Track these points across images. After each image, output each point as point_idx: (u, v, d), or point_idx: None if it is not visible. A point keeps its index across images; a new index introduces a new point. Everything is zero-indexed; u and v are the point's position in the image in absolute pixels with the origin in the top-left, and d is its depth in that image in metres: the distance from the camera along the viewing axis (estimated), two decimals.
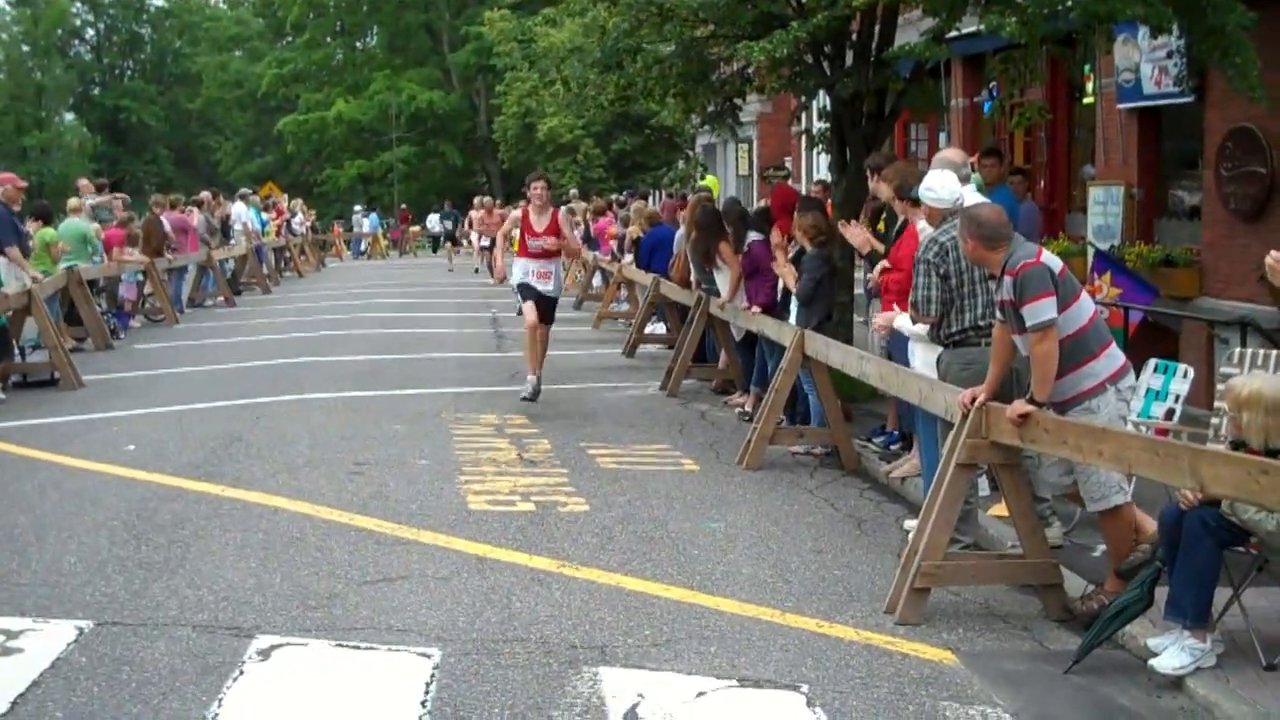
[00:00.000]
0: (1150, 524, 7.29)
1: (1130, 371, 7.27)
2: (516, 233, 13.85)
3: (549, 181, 13.73)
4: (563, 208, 14.71)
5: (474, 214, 36.48)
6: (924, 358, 8.77)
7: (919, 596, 7.04)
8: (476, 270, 35.65)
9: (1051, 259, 7.05)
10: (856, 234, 10.51)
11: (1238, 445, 6.28)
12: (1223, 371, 8.32)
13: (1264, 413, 6.14)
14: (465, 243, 42.24)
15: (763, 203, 16.32)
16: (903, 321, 9.02)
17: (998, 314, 7.18)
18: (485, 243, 31.70)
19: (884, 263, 9.97)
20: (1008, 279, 6.92)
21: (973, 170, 10.87)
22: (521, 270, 13.46)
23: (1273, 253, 6.79)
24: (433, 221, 56.92)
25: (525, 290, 13.47)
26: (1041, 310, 6.74)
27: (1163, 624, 6.37)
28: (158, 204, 24.93)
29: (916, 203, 8.83)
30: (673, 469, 10.75)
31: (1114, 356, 7.09)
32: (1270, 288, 8.58)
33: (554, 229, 13.35)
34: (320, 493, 9.74)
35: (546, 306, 13.54)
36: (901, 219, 9.73)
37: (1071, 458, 6.72)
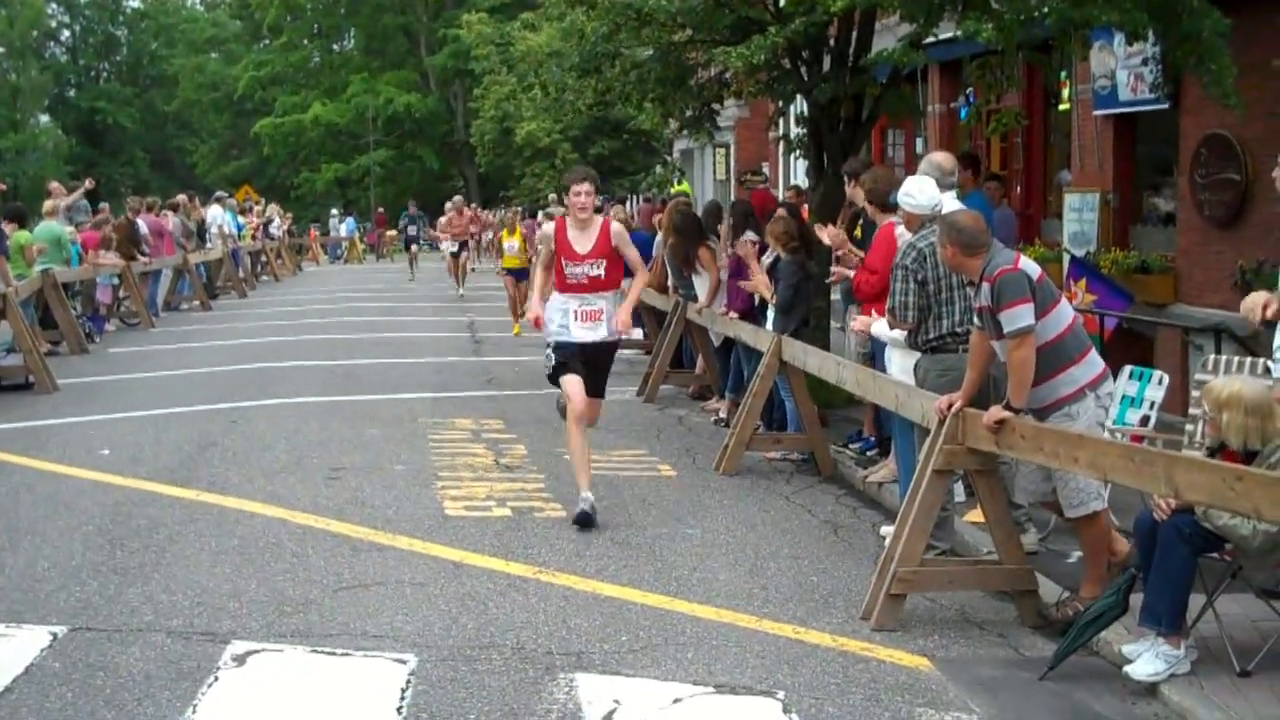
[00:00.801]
0: (1123, 543, 7.33)
1: (1109, 378, 7.30)
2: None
3: (597, 183, 9.63)
4: (614, 222, 10.22)
5: (443, 218, 33.63)
6: (901, 364, 8.79)
7: (895, 603, 7.05)
8: (412, 280, 34.42)
9: (1030, 265, 7.06)
10: (832, 235, 10.53)
11: (1215, 450, 6.31)
12: (1198, 378, 8.36)
13: (1244, 413, 6.17)
14: (427, 248, 39.44)
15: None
16: (880, 328, 9.04)
17: (975, 320, 7.19)
18: (454, 249, 29.09)
19: (854, 259, 9.96)
20: (985, 285, 6.93)
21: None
22: (559, 313, 9.43)
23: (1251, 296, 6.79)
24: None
25: (564, 353, 9.36)
26: (1018, 317, 6.76)
27: (1137, 630, 6.40)
28: (133, 207, 24.82)
29: (886, 208, 8.85)
30: (650, 474, 10.74)
31: (1093, 363, 7.11)
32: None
33: (604, 248, 9.44)
34: (296, 498, 9.71)
35: (598, 373, 9.59)
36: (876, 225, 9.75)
37: (1047, 464, 6.74)
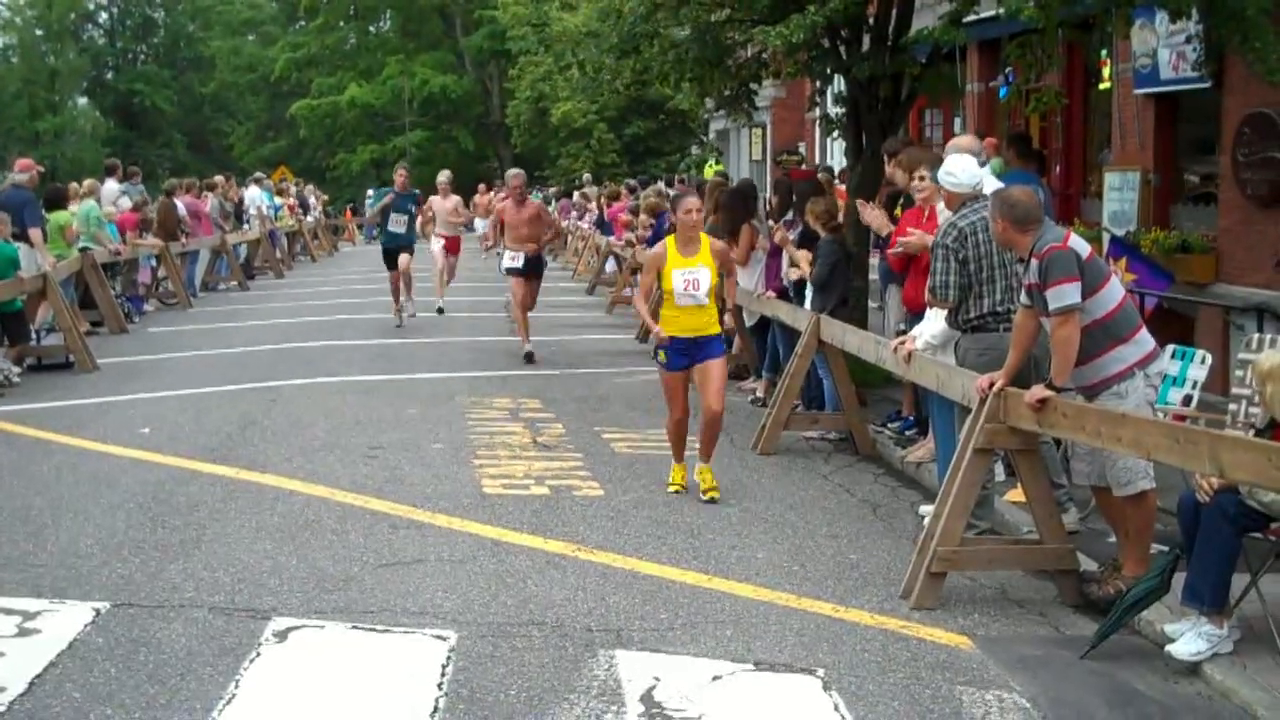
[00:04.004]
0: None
1: (1160, 356, 7.23)
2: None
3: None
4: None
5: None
6: (929, 330, 8.79)
7: (935, 581, 7.03)
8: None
9: (1079, 243, 6.99)
10: (874, 216, 10.50)
11: (1265, 430, 6.26)
12: (1240, 358, 8.29)
13: None
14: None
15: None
16: (925, 328, 8.99)
17: (1023, 298, 7.13)
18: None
19: (917, 234, 9.87)
20: (1034, 262, 6.88)
21: (987, 157, 10.82)
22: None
23: None
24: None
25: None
26: (1064, 294, 6.71)
27: (1179, 610, 6.37)
28: (173, 188, 24.92)
29: (921, 177, 8.84)
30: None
31: (1143, 342, 7.03)
32: None
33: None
34: (335, 476, 9.75)
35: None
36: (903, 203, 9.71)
37: (1090, 443, 6.70)
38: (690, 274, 9.11)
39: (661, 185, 26.64)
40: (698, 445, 9.45)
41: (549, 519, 8.65)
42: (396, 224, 19.04)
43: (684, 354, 9.25)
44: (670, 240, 9.35)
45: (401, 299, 19.39)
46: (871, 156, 13.04)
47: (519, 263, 15.89)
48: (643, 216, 20.85)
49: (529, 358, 15.59)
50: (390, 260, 19.20)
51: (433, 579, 7.32)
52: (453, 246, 20.16)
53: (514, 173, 16.79)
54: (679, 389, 9.33)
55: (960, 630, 6.68)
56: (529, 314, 16.23)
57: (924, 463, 9.94)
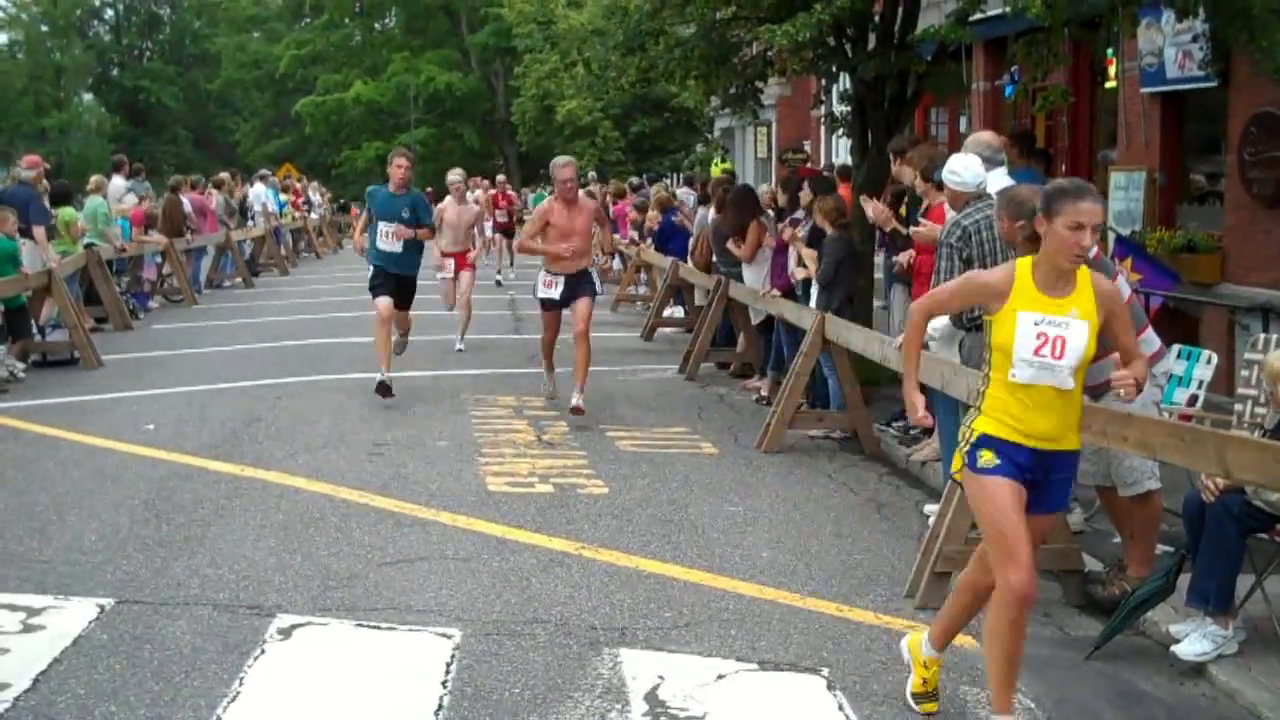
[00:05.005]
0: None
1: (1166, 356, 7.23)
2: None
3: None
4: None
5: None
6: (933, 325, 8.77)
7: (940, 581, 7.02)
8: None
9: None
10: (878, 210, 10.49)
11: (1277, 430, 6.24)
12: (1246, 358, 8.28)
13: None
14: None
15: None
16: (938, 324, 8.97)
17: None
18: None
19: (910, 252, 9.93)
20: None
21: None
22: None
23: None
24: None
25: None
26: None
27: (1185, 611, 6.36)
28: (179, 184, 24.94)
29: (940, 186, 8.79)
30: (691, 452, 10.73)
31: (1149, 341, 7.04)
32: None
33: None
34: (340, 473, 9.75)
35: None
36: (925, 203, 9.69)
37: (1096, 443, 6.68)
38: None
39: (668, 183, 26.65)
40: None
41: (553, 517, 8.65)
42: (388, 238, 12.64)
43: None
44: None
45: (392, 340, 13.28)
46: (877, 155, 13.03)
47: (556, 291, 11.90)
48: (651, 212, 20.95)
49: (576, 411, 11.68)
50: (381, 288, 12.78)
51: (437, 577, 7.32)
52: (462, 263, 16.40)
53: (564, 162, 11.96)
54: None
55: (964, 630, 6.65)
56: (586, 358, 11.96)
57: (929, 462, 9.94)
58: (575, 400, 11.67)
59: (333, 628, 6.52)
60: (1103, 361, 6.91)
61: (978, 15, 12.46)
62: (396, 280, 12.87)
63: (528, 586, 7.21)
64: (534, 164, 60.63)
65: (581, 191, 12.97)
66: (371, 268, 12.92)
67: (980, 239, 7.92)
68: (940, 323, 8.66)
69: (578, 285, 11.89)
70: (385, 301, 12.71)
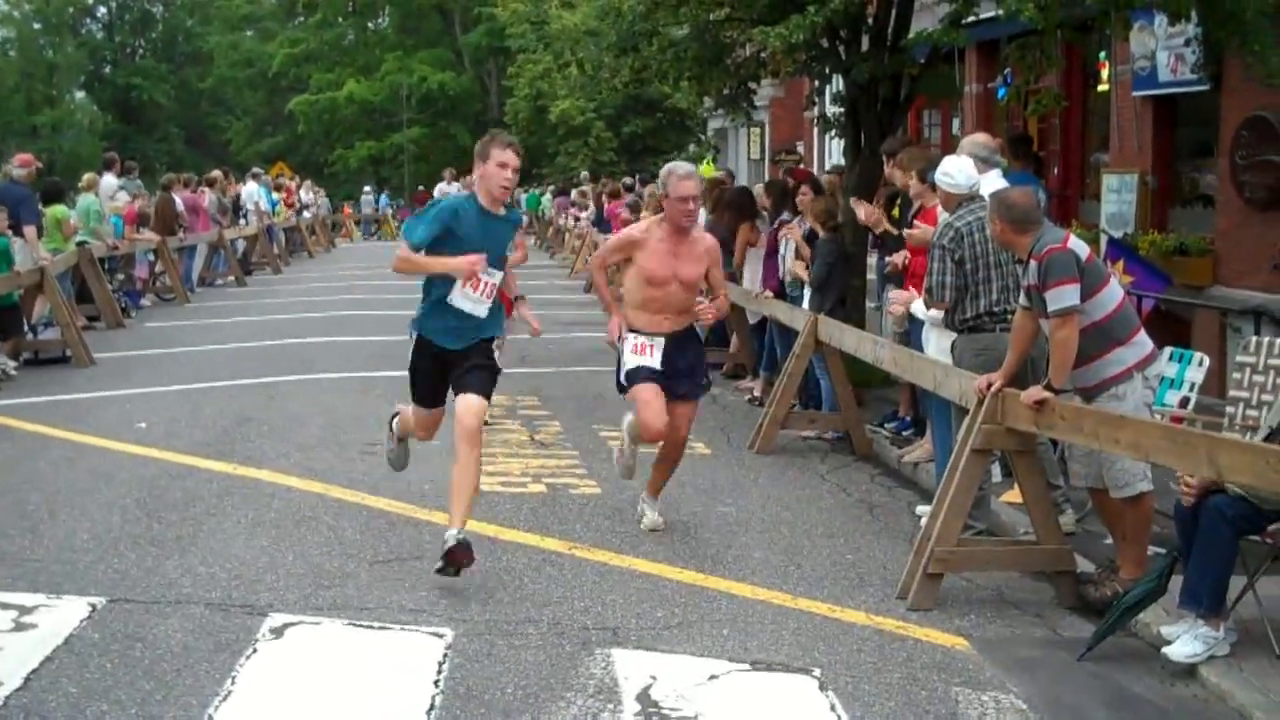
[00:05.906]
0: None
1: (1158, 359, 7.24)
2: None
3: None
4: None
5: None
6: (938, 344, 8.75)
7: (932, 582, 7.03)
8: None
9: (1079, 245, 7.00)
10: (869, 212, 10.50)
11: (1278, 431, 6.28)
12: (1237, 360, 8.30)
13: None
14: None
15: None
16: (918, 306, 9.00)
17: (1022, 299, 7.13)
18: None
19: (905, 253, 9.93)
20: (1034, 263, 6.89)
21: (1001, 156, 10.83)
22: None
23: None
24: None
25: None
26: (1063, 296, 6.71)
27: (1176, 612, 6.37)
28: (171, 183, 24.91)
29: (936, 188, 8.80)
30: (684, 452, 10.71)
31: (1141, 344, 7.04)
32: None
33: None
34: (332, 472, 9.75)
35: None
36: (917, 204, 9.70)
37: (1088, 445, 6.70)
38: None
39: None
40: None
41: (546, 517, 8.65)
42: (477, 290, 7.48)
43: None
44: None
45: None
46: (870, 156, 13.04)
47: (654, 358, 8.22)
48: (645, 213, 20.91)
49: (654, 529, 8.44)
50: (427, 381, 8.08)
51: (430, 576, 7.29)
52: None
53: (685, 171, 8.19)
54: None
55: (957, 631, 6.68)
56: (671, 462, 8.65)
57: (921, 463, 9.95)
58: (651, 516, 8.45)
59: (325, 627, 6.52)
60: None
61: (970, 18, 12.47)
62: (455, 359, 7.67)
63: (520, 586, 7.22)
64: (527, 164, 60.62)
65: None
66: (414, 336, 7.81)
67: (973, 240, 7.93)
68: (935, 314, 8.65)
69: (682, 354, 8.31)
70: (436, 415, 8.26)
